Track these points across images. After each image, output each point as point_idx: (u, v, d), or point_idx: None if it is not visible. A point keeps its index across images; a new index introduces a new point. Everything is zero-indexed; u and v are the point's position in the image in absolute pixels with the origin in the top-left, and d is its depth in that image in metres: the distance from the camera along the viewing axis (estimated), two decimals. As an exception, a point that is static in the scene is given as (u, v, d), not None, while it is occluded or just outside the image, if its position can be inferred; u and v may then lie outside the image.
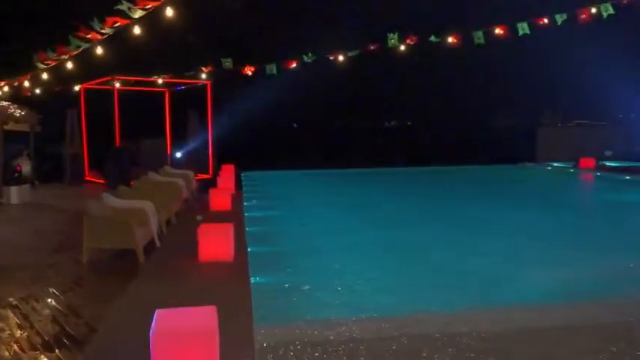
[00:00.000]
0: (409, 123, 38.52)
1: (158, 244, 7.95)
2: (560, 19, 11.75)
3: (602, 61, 27.55)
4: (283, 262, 7.79)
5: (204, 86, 17.05)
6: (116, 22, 8.92)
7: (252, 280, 6.23)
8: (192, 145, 18.74)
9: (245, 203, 12.36)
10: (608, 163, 22.13)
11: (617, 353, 4.57)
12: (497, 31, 12.27)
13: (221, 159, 17.88)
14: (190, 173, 13.58)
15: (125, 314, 5.12)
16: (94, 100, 17.74)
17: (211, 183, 15.61)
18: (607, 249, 8.98)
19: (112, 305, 5.48)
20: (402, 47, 12.18)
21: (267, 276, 6.88)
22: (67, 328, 5.21)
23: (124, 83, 16.18)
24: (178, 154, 18.55)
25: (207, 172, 17.45)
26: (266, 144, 25.12)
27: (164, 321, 3.68)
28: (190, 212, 10.79)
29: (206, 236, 7.03)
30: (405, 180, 20.53)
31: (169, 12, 9.52)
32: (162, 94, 18.07)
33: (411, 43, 12.13)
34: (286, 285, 6.75)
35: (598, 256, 8.42)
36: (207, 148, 18.04)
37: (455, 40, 12.16)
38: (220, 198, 11.27)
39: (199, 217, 10.25)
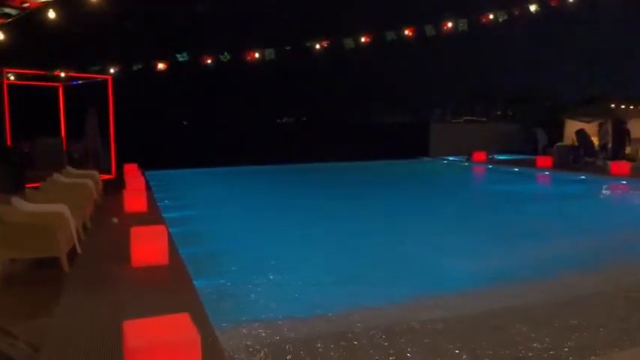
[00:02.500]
0: (304, 119, 38.92)
1: (79, 250, 7.37)
2: (460, 26, 12.43)
3: (489, 64, 29.67)
4: (221, 263, 7.57)
5: (105, 81, 16.04)
6: (25, 2, 8.01)
7: (195, 283, 5.98)
8: (90, 143, 17.59)
9: (159, 204, 11.85)
10: (497, 157, 23.84)
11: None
12: (404, 34, 12.64)
13: (122, 158, 17.04)
14: (95, 173, 12.72)
15: (68, 329, 4.70)
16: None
17: (115, 183, 14.79)
18: (509, 235, 9.77)
19: (48, 320, 5.00)
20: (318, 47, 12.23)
21: (210, 278, 6.64)
22: (4, 350, 4.68)
23: (18, 77, 14.79)
24: (75, 154, 17.35)
25: (109, 172, 16.45)
26: (163, 142, 24.25)
27: (138, 333, 3.43)
28: (103, 215, 10.14)
29: (139, 240, 6.64)
30: (310, 176, 20.79)
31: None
32: (56, 89, 16.75)
33: (324, 45, 12.24)
34: (232, 285, 6.57)
35: (501, 243, 9.17)
36: (107, 147, 17.01)
37: (365, 40, 12.35)
38: (135, 199, 10.72)
39: (115, 220, 9.68)
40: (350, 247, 8.72)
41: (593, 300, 5.93)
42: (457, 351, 4.52)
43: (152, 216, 9.99)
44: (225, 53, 11.80)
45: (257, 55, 11.98)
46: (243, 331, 4.98)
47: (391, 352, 4.50)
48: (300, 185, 17.95)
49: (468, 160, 23.26)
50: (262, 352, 4.50)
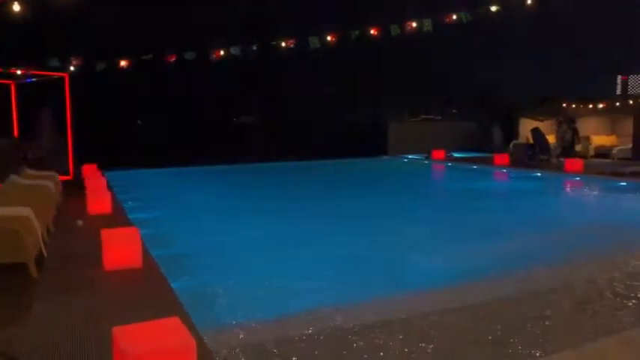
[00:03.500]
0: (262, 119, 38.52)
1: (46, 254, 7.11)
2: (425, 26, 12.62)
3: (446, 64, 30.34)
4: (196, 264, 7.46)
5: (62, 79, 15.51)
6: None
7: (173, 285, 5.87)
8: (45, 144, 16.99)
9: (122, 205, 11.57)
10: (455, 154, 24.37)
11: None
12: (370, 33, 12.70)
13: (79, 158, 16.59)
14: (55, 175, 12.31)
15: (44, 338, 4.52)
16: None
17: (73, 185, 14.36)
18: (470, 232, 10.02)
19: (21, 330, 4.80)
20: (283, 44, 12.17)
21: (186, 279, 6.53)
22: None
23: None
24: (30, 154, 16.70)
25: (66, 173, 15.93)
26: (120, 142, 23.70)
27: (131, 340, 3.34)
28: (65, 217, 9.83)
29: (110, 242, 6.46)
30: (271, 175, 20.75)
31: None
32: (7, 86, 16.10)
33: (291, 45, 12.21)
34: (212, 287, 6.48)
35: (466, 238, 9.40)
36: (65, 147, 16.47)
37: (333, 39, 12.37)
38: (99, 200, 10.43)
39: (80, 222, 9.41)
40: (316, 246, 8.75)
41: (546, 295, 6.06)
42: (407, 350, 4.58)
43: (118, 218, 9.76)
44: (190, 52, 11.60)
45: (222, 52, 11.83)
46: (227, 332, 4.94)
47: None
48: (261, 185, 17.88)
49: (427, 158, 23.69)
50: (245, 353, 4.47)
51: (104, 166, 16.99)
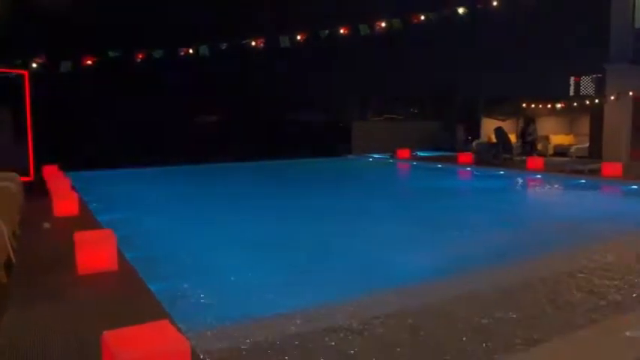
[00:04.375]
0: (216, 118, 38.06)
1: (14, 259, 6.86)
2: (395, 24, 12.73)
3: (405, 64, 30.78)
4: (174, 266, 7.34)
5: (21, 77, 14.98)
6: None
7: (152, 288, 5.75)
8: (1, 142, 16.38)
9: (89, 207, 11.28)
10: (420, 154, 24.70)
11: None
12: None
13: (38, 159, 16.08)
14: (15, 175, 11.87)
15: (23, 347, 4.37)
16: None
17: (34, 186, 13.91)
18: (444, 229, 10.21)
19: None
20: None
21: (165, 282, 6.41)
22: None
23: None
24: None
25: (26, 174, 15.40)
26: (79, 142, 23.10)
27: (123, 345, 3.26)
28: (30, 220, 9.50)
29: (84, 245, 6.29)
30: (237, 175, 20.62)
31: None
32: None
33: (260, 44, 12.10)
34: (192, 289, 6.38)
35: (437, 235, 9.61)
36: (24, 147, 15.92)
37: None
38: (64, 202, 10.13)
39: (47, 225, 9.12)
40: (287, 246, 8.73)
41: (515, 291, 6.18)
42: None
43: (86, 220, 9.51)
44: (158, 50, 11.35)
45: (191, 51, 11.64)
46: (208, 334, 4.87)
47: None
48: (226, 185, 17.70)
49: (392, 157, 23.94)
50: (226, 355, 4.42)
51: (64, 168, 16.54)
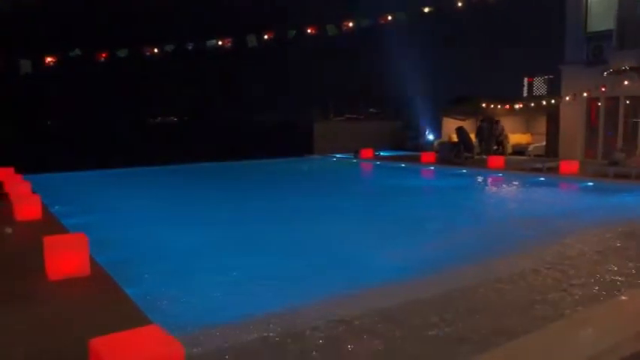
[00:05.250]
0: (175, 119, 37.73)
1: (-23, 265, 6.58)
2: (363, 23, 12.81)
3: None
4: (147, 269, 7.17)
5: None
6: None
7: (128, 292, 5.60)
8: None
9: (52, 210, 10.91)
10: (383, 153, 24.91)
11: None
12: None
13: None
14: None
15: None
16: None
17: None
18: (412, 228, 10.36)
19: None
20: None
21: (140, 286, 6.25)
22: None
23: None
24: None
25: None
26: (32, 144, 22.38)
27: (116, 351, 3.17)
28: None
29: (54, 250, 6.09)
30: (197, 176, 20.35)
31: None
32: None
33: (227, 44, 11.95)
34: (170, 291, 6.26)
35: (406, 235, 9.70)
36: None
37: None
38: (26, 206, 9.77)
39: (8, 230, 8.78)
40: (257, 246, 8.71)
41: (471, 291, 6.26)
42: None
43: (50, 224, 9.20)
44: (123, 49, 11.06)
45: (156, 50, 11.39)
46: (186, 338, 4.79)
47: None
48: (186, 187, 17.40)
49: (356, 157, 24.07)
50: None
51: (19, 170, 15.94)
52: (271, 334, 4.86)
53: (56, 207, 11.89)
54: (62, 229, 8.56)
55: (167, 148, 23.99)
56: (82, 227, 9.92)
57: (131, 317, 4.70)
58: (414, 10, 14.02)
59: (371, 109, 40.31)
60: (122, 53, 11.22)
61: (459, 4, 14.04)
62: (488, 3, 15.05)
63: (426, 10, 12.86)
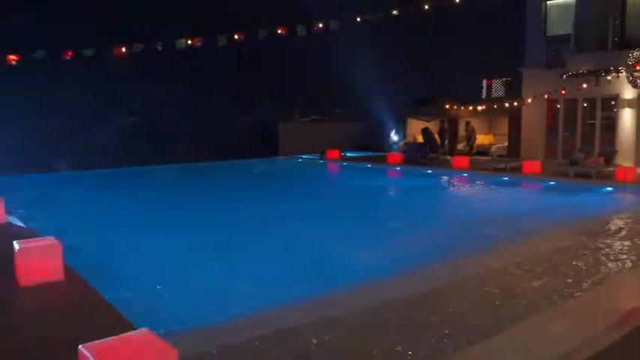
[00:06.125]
0: (133, 119, 36.80)
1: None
2: (332, 25, 12.92)
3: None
4: (123, 273, 7.04)
5: None
6: None
7: (106, 297, 5.48)
8: None
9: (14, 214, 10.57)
10: (349, 154, 25.07)
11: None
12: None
13: None
14: None
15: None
16: None
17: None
18: (382, 228, 10.48)
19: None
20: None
21: (119, 290, 6.13)
22: None
23: None
24: None
25: None
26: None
27: (108, 357, 3.11)
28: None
29: (26, 255, 5.90)
30: (161, 177, 20.07)
31: None
32: None
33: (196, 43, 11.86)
34: (150, 294, 6.16)
35: (374, 235, 9.81)
36: None
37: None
38: (-11, 210, 9.44)
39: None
40: (225, 250, 8.60)
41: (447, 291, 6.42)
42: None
43: (16, 227, 8.91)
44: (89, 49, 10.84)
45: (124, 49, 11.20)
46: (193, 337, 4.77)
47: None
48: (152, 189, 17.13)
49: (322, 157, 24.15)
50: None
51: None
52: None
53: (20, 210, 11.55)
54: (31, 233, 8.30)
55: (130, 149, 23.40)
56: (49, 231, 9.69)
57: (113, 321, 4.61)
58: (379, 12, 14.22)
59: (337, 110, 40.45)
60: (89, 52, 11.02)
61: (426, 7, 14.31)
62: (450, 6, 15.41)
63: (394, 12, 13.08)
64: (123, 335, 3.40)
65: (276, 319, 5.35)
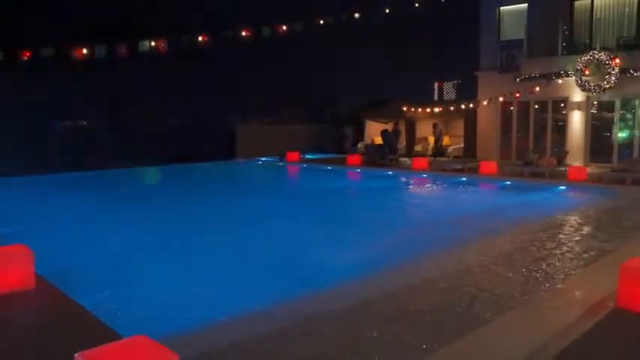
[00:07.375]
0: (84, 123, 35.72)
1: None
2: (297, 27, 12.97)
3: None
4: (96, 279, 6.83)
5: None
6: None
7: (82, 305, 5.32)
8: None
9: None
10: (308, 156, 25.13)
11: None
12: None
13: None
14: None
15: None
16: None
17: None
18: (341, 229, 10.50)
19: None
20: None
21: (92, 296, 5.94)
22: None
23: None
24: None
25: None
26: None
27: (108, 363, 3.04)
28: None
29: (-6, 263, 5.66)
30: (120, 181, 19.56)
31: None
32: None
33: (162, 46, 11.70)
34: (126, 301, 6.01)
35: (335, 236, 9.82)
36: None
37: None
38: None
39: None
40: (184, 255, 8.45)
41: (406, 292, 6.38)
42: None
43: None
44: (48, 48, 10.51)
45: (85, 51, 10.91)
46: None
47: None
48: (112, 192, 16.66)
49: (281, 160, 24.11)
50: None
51: None
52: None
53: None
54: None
55: (81, 153, 22.64)
56: (15, 237, 9.29)
57: (93, 329, 4.49)
58: (336, 14, 14.37)
59: (295, 112, 40.47)
60: (46, 52, 10.69)
61: (386, 10, 14.56)
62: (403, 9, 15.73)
63: (356, 15, 13.24)
64: (119, 342, 3.34)
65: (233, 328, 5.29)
